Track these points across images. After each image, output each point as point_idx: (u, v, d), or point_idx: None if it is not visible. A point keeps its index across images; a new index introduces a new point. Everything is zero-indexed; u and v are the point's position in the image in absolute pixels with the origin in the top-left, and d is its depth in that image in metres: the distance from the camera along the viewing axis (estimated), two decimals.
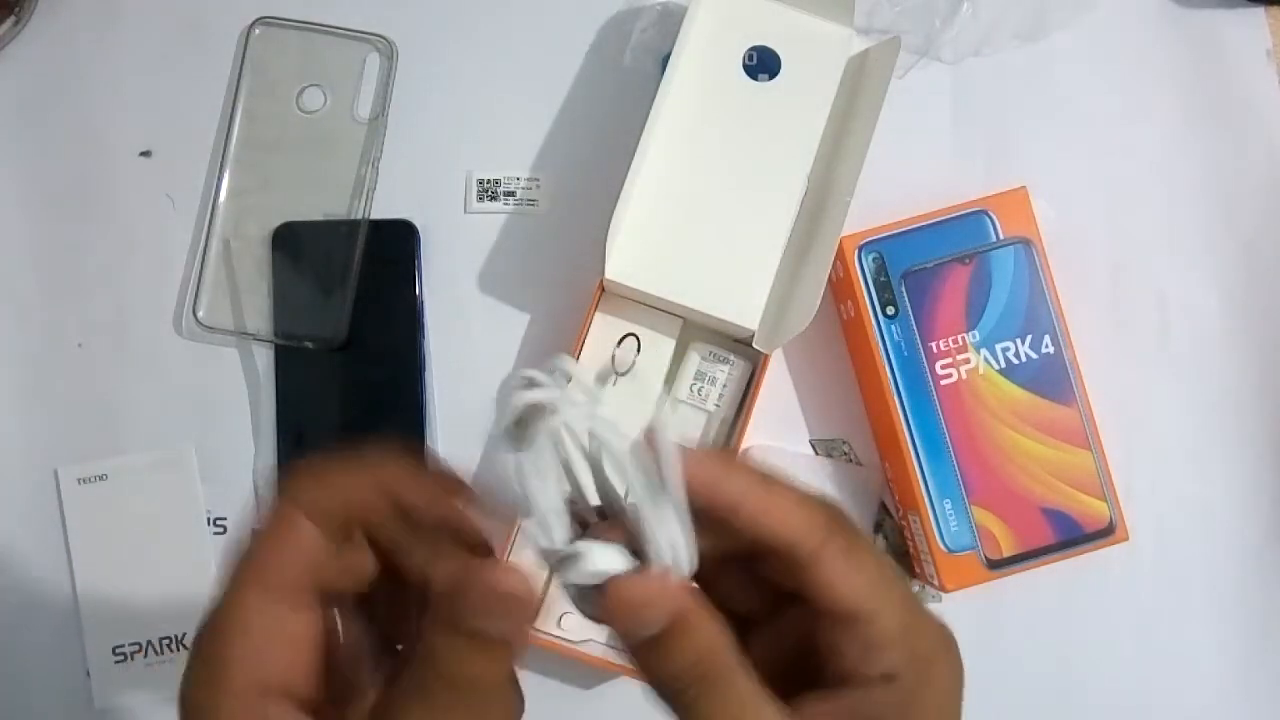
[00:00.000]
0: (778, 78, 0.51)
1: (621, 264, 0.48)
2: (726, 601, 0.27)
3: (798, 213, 0.50)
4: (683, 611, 0.25)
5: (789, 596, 0.27)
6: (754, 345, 0.49)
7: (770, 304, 0.49)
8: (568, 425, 0.25)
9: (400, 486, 0.27)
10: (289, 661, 0.26)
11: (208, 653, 0.25)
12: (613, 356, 0.51)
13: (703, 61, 0.51)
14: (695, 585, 0.26)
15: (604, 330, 0.51)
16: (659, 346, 0.51)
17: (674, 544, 0.25)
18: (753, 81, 0.51)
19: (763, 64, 0.51)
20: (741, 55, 0.51)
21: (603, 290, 0.50)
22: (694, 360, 0.51)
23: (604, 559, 0.25)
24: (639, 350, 0.51)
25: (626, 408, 0.51)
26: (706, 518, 0.26)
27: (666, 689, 0.26)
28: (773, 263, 0.50)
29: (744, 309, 0.49)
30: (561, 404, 0.25)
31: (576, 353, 0.50)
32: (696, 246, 0.49)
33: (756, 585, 0.28)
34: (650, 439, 0.25)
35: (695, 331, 0.52)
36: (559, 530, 0.25)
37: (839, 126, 0.51)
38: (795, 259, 0.50)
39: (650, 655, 0.25)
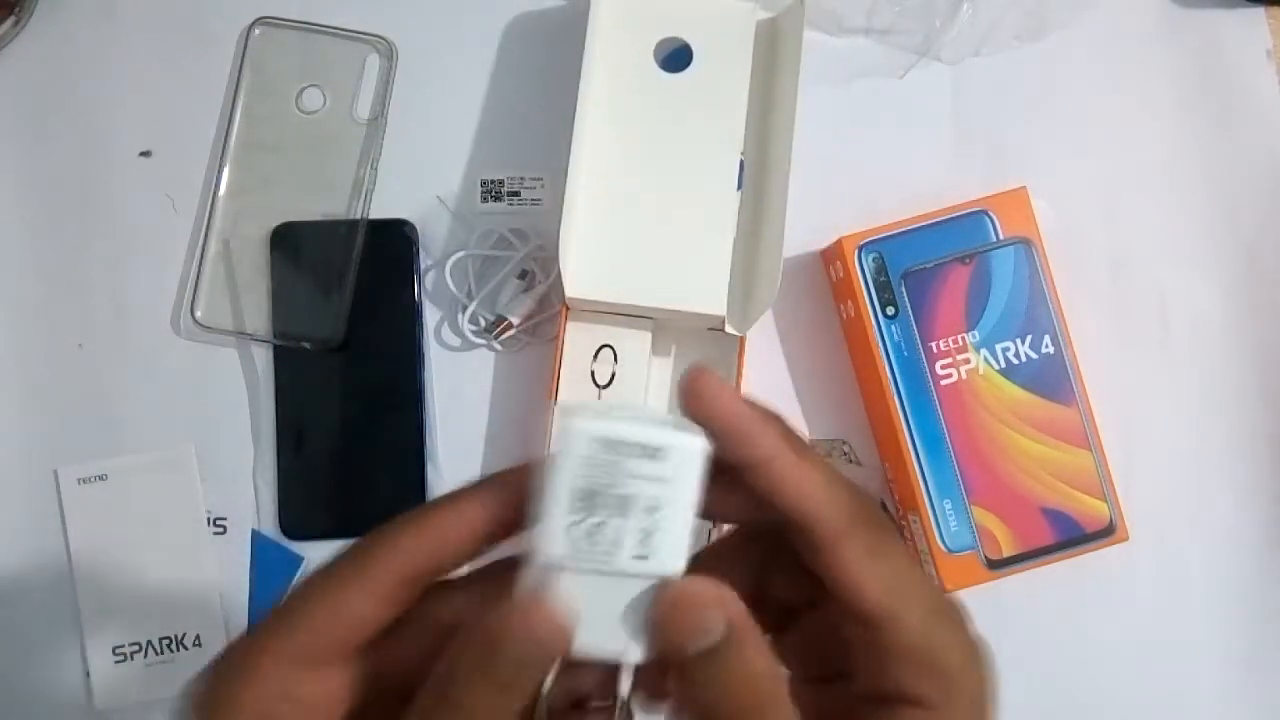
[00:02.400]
0: (692, 65, 0.51)
1: (579, 280, 0.48)
2: (763, 589, 0.27)
3: (740, 190, 0.50)
4: (740, 621, 0.23)
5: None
6: (726, 329, 0.49)
7: (734, 285, 0.49)
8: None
9: (463, 540, 0.25)
10: None
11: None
12: (591, 372, 0.51)
13: (614, 64, 0.51)
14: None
15: (578, 348, 0.51)
16: (636, 352, 0.51)
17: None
18: (668, 74, 0.51)
19: (675, 55, 0.52)
20: (651, 50, 0.51)
21: (568, 309, 0.50)
22: (669, 365, 0.52)
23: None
24: (616, 360, 0.51)
25: None
26: (725, 472, 0.24)
27: (707, 713, 0.23)
28: (727, 245, 0.50)
29: (709, 296, 0.49)
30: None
31: (555, 375, 0.50)
32: (649, 246, 0.50)
33: (794, 572, 0.26)
34: (692, 385, 0.24)
35: (668, 329, 0.52)
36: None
37: (764, 97, 0.52)
38: (749, 236, 0.50)
39: (698, 673, 0.23)
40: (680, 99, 0.51)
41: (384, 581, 0.24)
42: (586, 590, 0.24)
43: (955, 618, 0.25)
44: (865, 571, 0.24)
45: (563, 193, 0.48)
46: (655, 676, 0.25)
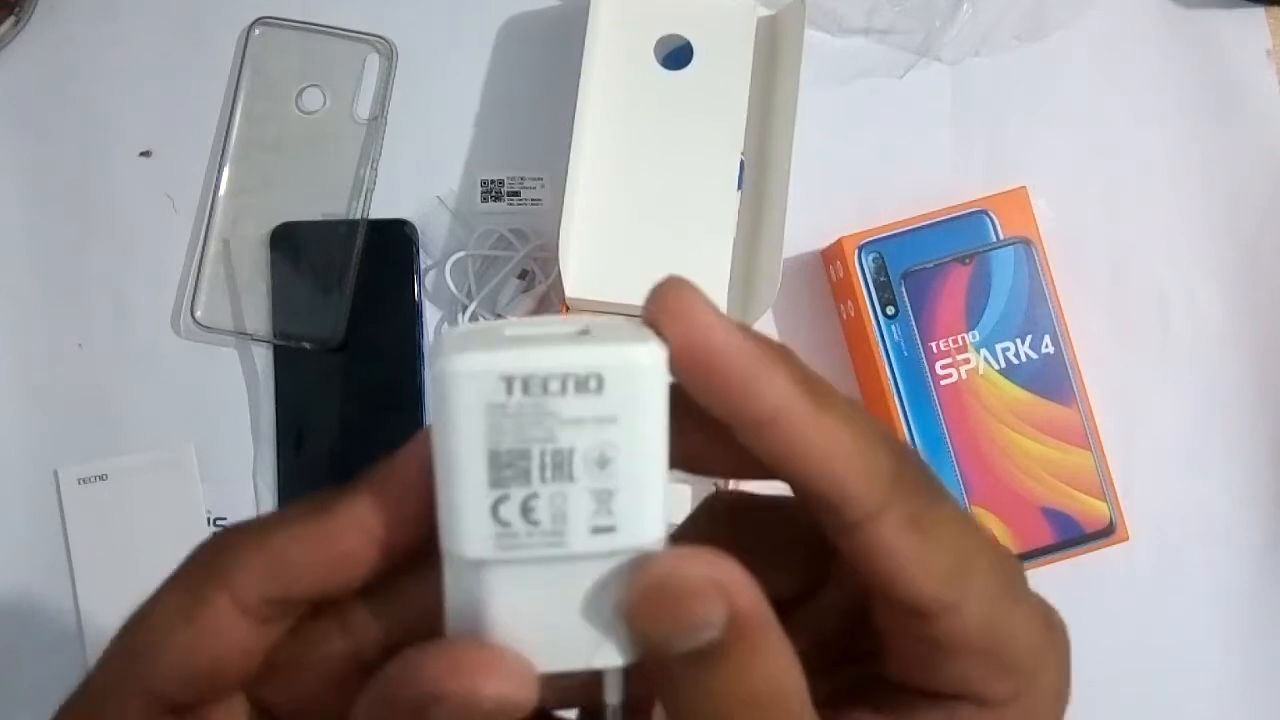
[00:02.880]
0: (692, 63, 0.51)
1: (580, 279, 0.49)
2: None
3: (741, 189, 0.50)
4: (750, 608, 0.16)
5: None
6: None
7: (734, 285, 0.49)
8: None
9: (365, 550, 0.18)
10: None
11: None
12: None
13: (615, 62, 0.51)
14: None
15: None
16: None
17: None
18: (669, 72, 0.51)
19: (676, 53, 0.52)
20: (652, 48, 0.51)
21: (567, 310, 0.50)
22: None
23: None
24: None
25: None
26: (709, 420, 0.18)
27: None
28: (727, 244, 0.50)
29: (709, 294, 0.49)
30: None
31: None
32: (649, 245, 0.50)
33: (802, 546, 0.20)
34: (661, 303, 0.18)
35: None
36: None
37: (764, 95, 0.52)
38: (749, 236, 0.50)
39: (690, 683, 0.17)
40: (680, 97, 0.51)
41: (231, 603, 0.18)
42: (537, 588, 0.17)
43: (1026, 592, 0.19)
44: (912, 556, 0.18)
45: (563, 192, 0.48)
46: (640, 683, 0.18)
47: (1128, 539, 0.50)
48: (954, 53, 0.56)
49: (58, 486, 0.53)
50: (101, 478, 0.53)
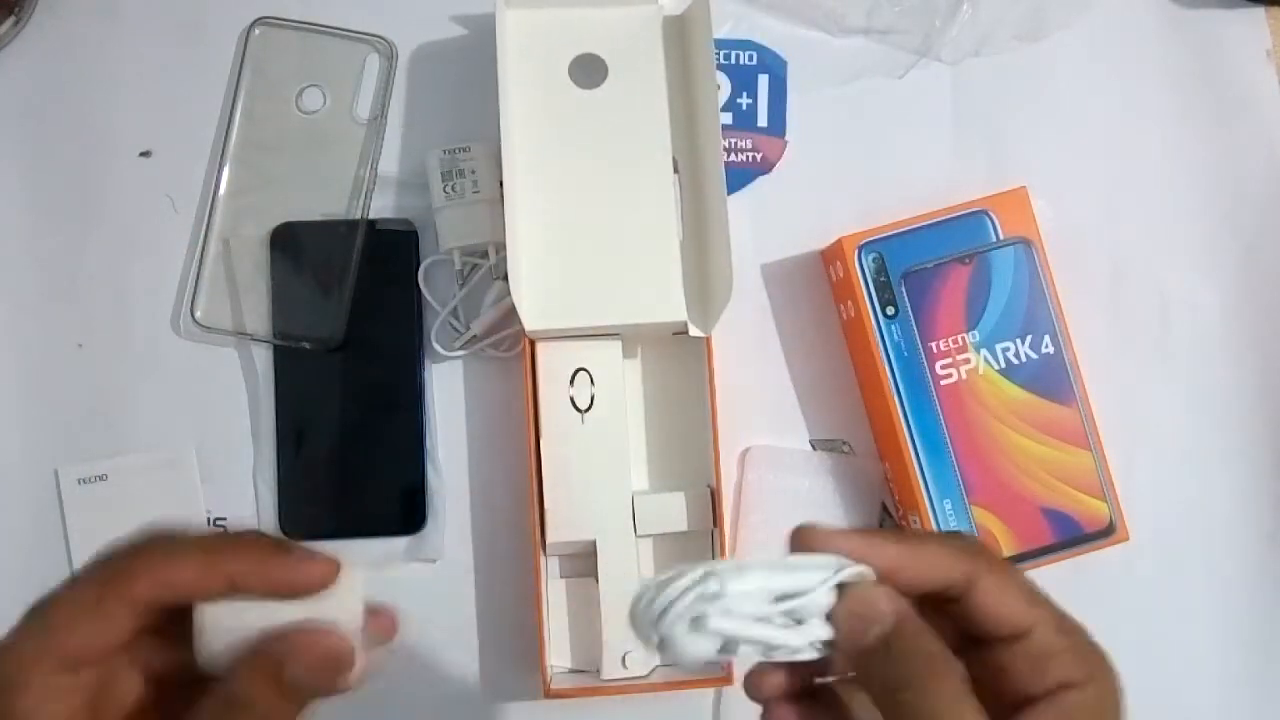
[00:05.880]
0: (608, 77, 0.51)
1: (536, 310, 0.48)
2: None
3: (678, 192, 0.50)
4: (905, 613, 0.29)
5: (972, 644, 0.30)
6: (690, 332, 0.48)
7: (690, 287, 0.49)
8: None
9: (240, 573, 0.29)
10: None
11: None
12: (571, 399, 0.50)
13: (531, 91, 0.51)
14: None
15: (551, 375, 0.50)
16: (609, 369, 0.50)
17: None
18: (587, 91, 0.51)
19: (590, 70, 0.52)
20: (566, 70, 0.51)
21: (531, 342, 0.50)
22: (638, 370, 0.52)
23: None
24: (594, 383, 0.50)
25: (600, 444, 0.50)
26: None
27: (886, 687, 0.29)
28: (674, 249, 0.50)
29: (667, 303, 0.49)
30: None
31: (530, 403, 0.49)
32: (599, 265, 0.49)
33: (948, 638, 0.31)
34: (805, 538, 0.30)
35: (635, 338, 0.52)
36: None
37: (685, 94, 0.51)
38: (696, 235, 0.50)
39: (874, 658, 0.29)
40: (603, 112, 0.51)
41: (128, 603, 0.28)
42: None
43: (1079, 626, 0.31)
44: (998, 597, 0.30)
45: (502, 228, 0.48)
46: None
47: (1128, 539, 0.50)
48: (954, 53, 0.56)
49: (58, 486, 0.53)
50: (101, 478, 0.53)
